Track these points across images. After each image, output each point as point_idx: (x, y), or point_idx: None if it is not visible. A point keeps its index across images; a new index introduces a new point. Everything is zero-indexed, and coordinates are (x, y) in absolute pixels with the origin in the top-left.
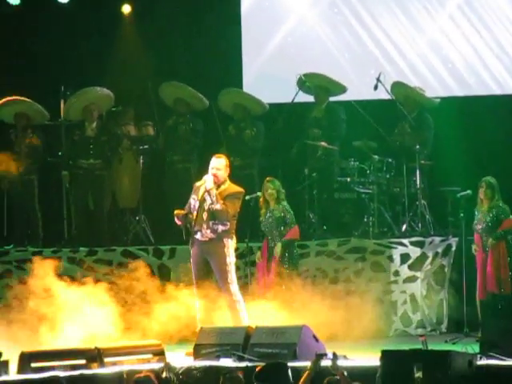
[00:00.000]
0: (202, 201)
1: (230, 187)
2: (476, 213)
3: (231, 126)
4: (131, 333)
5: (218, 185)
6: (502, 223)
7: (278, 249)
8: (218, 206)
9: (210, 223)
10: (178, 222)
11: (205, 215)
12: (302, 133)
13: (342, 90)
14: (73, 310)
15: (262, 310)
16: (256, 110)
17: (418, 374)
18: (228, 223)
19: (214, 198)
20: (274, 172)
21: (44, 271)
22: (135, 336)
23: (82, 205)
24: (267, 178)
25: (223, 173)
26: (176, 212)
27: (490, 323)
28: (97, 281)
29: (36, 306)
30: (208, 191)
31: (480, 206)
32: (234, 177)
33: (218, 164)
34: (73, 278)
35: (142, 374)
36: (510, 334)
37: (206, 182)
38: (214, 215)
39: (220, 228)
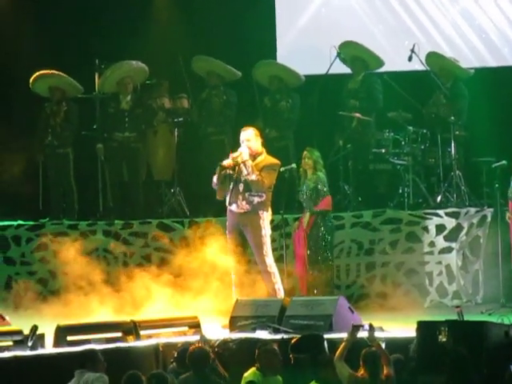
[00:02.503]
0: (239, 172)
1: (267, 159)
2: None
3: (267, 98)
4: (167, 306)
5: (253, 156)
6: None
7: (305, 218)
8: (253, 177)
9: (246, 195)
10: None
11: (241, 187)
12: (338, 104)
13: (379, 63)
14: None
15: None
16: (292, 82)
17: (442, 337)
18: (264, 195)
19: (250, 169)
20: (310, 143)
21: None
22: (172, 309)
23: (117, 177)
24: (306, 148)
25: (255, 143)
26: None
27: None
28: (131, 253)
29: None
30: (244, 162)
31: None
32: (269, 148)
33: (248, 135)
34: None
35: (194, 346)
36: None
37: (242, 154)
38: (249, 186)
39: (256, 200)
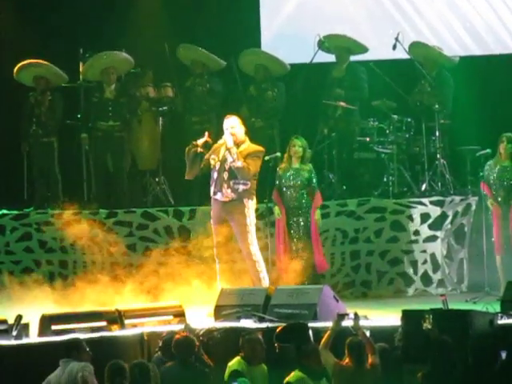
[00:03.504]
0: (223, 160)
1: (250, 147)
2: (491, 165)
3: (252, 87)
4: (152, 295)
5: (237, 144)
6: None
7: (318, 217)
8: (239, 164)
9: (231, 182)
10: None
11: (225, 175)
12: (322, 93)
13: (363, 49)
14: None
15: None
16: (277, 71)
17: (426, 325)
18: (248, 182)
19: (235, 156)
20: (294, 132)
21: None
22: (155, 298)
23: (102, 167)
24: (294, 136)
25: (239, 130)
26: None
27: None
28: (116, 243)
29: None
30: (229, 149)
31: (499, 159)
32: (254, 137)
33: (232, 123)
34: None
35: (179, 335)
36: None
37: (227, 141)
38: (234, 174)
39: (241, 187)
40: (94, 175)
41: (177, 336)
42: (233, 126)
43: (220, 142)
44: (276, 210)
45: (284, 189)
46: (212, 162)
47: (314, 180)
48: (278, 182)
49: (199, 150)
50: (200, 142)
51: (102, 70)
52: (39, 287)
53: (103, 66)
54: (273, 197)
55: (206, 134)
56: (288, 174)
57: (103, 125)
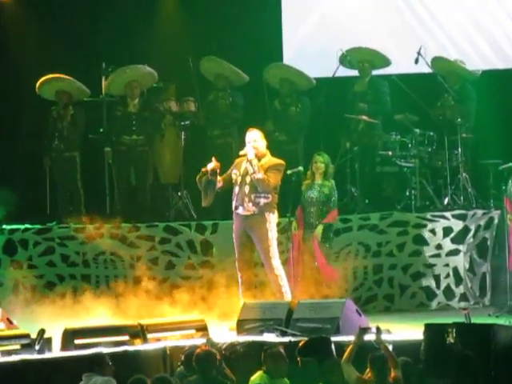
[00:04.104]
0: (245, 174)
1: (271, 160)
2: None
3: (277, 101)
4: (175, 309)
5: (258, 157)
6: None
7: (319, 231)
8: (259, 175)
9: (252, 196)
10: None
11: (247, 189)
12: (345, 107)
13: (386, 62)
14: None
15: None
16: (303, 85)
17: (449, 339)
18: (270, 196)
19: (256, 168)
20: (317, 146)
21: None
22: (178, 312)
23: (125, 181)
24: (317, 152)
25: (261, 144)
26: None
27: None
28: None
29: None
30: (250, 161)
31: None
32: (278, 151)
33: (254, 136)
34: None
35: (201, 349)
36: None
37: (248, 153)
38: (255, 188)
39: (262, 201)
40: (117, 189)
41: (198, 350)
42: (255, 139)
43: (241, 152)
44: (293, 224)
45: (306, 205)
46: (234, 176)
47: (334, 198)
48: (301, 199)
49: (209, 177)
50: (209, 167)
51: (125, 84)
52: (62, 301)
53: (127, 79)
54: (296, 212)
55: (214, 160)
56: (310, 190)
57: (127, 139)
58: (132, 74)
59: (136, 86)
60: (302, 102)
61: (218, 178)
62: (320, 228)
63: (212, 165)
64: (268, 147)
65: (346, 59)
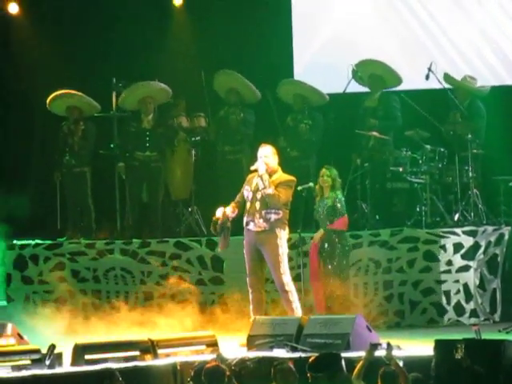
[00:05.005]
0: (255, 190)
1: (282, 176)
2: None
3: (289, 118)
4: (185, 324)
5: (269, 173)
6: None
7: (317, 236)
8: (270, 191)
9: (263, 212)
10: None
11: (257, 205)
12: (355, 123)
13: (397, 81)
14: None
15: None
16: (316, 101)
17: (459, 355)
18: (280, 212)
19: (267, 183)
20: (328, 162)
21: None
22: (189, 327)
23: (136, 197)
24: (325, 166)
25: (272, 160)
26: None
27: None
28: (148, 273)
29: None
30: (261, 176)
31: None
32: (290, 167)
33: (266, 152)
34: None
35: (210, 365)
36: None
37: (259, 168)
38: (266, 204)
39: (273, 217)
40: (129, 205)
41: (208, 365)
42: (266, 154)
43: (252, 167)
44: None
45: (318, 220)
46: (245, 192)
47: (338, 205)
48: (315, 217)
49: (221, 224)
50: (218, 215)
51: (139, 100)
52: (72, 316)
53: (141, 95)
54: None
55: (221, 208)
56: (320, 205)
57: (140, 155)
58: (146, 89)
59: (150, 101)
60: (314, 118)
61: (232, 204)
62: (320, 232)
63: (220, 212)
64: (280, 163)
65: (356, 74)
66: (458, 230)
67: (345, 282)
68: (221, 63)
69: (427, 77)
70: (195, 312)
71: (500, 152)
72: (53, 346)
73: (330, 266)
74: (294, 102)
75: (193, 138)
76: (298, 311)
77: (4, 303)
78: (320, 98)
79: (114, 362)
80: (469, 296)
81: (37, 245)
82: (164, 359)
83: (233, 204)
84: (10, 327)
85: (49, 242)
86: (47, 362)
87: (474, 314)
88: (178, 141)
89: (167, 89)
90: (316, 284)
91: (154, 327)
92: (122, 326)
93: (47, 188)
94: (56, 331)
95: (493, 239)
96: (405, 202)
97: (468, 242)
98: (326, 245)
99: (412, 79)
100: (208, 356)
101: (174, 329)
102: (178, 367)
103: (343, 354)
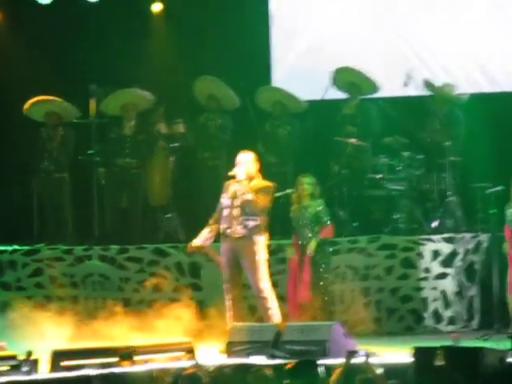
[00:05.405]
0: (233, 197)
1: (260, 182)
2: (508, 209)
3: (268, 124)
4: (162, 331)
5: (248, 180)
6: None
7: (312, 246)
8: (249, 196)
9: (241, 219)
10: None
11: (235, 212)
12: (333, 130)
13: (374, 89)
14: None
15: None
16: (295, 108)
17: (437, 361)
18: (258, 218)
19: (245, 189)
20: (306, 169)
21: None
22: (166, 334)
23: (116, 203)
24: (302, 174)
25: (251, 166)
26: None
27: None
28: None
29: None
30: (239, 182)
31: None
32: (268, 174)
33: (246, 158)
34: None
35: (187, 371)
36: None
37: (237, 174)
38: (244, 210)
39: (251, 224)
40: (108, 211)
41: (185, 372)
42: (245, 161)
43: (230, 173)
44: (288, 250)
45: (297, 228)
46: (222, 200)
47: (323, 215)
48: (292, 224)
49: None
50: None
51: (122, 106)
52: (50, 323)
53: (124, 101)
54: (292, 240)
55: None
56: (299, 213)
57: (121, 161)
58: (129, 96)
59: (132, 108)
60: (293, 125)
61: (210, 222)
62: (314, 242)
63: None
64: (259, 170)
65: (334, 81)
66: (436, 237)
67: (328, 290)
68: (200, 70)
69: (405, 83)
70: (173, 318)
71: (478, 159)
72: (30, 353)
73: (318, 275)
74: (273, 108)
75: (171, 145)
76: (275, 318)
77: None
78: (298, 104)
79: (91, 369)
80: (447, 303)
81: (14, 250)
82: (141, 366)
83: (210, 224)
84: None
85: (27, 247)
86: (24, 369)
87: (451, 321)
88: (157, 147)
89: (149, 96)
90: (301, 292)
91: (132, 333)
92: (100, 332)
93: (25, 193)
94: (33, 337)
95: (471, 246)
96: (383, 209)
97: (446, 249)
98: (319, 255)
99: (390, 86)
100: (185, 363)
101: (152, 335)
102: (155, 374)
103: (321, 361)
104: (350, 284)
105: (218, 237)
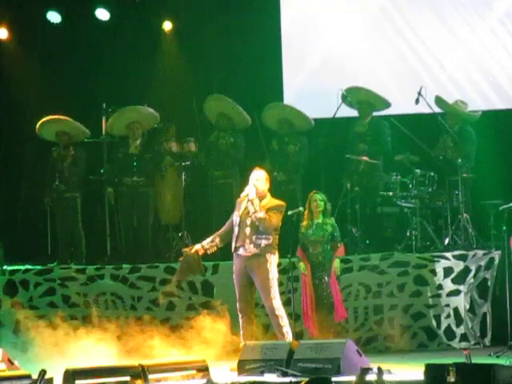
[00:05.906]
0: (245, 215)
1: (272, 201)
2: None
3: (274, 141)
4: (175, 349)
5: (259, 198)
6: None
7: (337, 265)
8: (261, 214)
9: (253, 237)
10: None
11: (247, 230)
12: (345, 147)
13: (386, 105)
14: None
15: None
16: (302, 126)
17: (450, 378)
18: (270, 237)
19: (258, 207)
20: (317, 187)
21: None
22: (179, 353)
23: (127, 222)
24: (314, 191)
25: (263, 184)
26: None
27: None
28: (139, 298)
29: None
30: (251, 200)
31: None
32: (276, 191)
33: (259, 176)
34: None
35: None
36: None
37: (249, 192)
38: (256, 229)
39: (263, 242)
40: (120, 230)
41: None
42: (258, 178)
43: (242, 194)
44: (302, 265)
45: (308, 245)
46: (234, 217)
47: (337, 233)
48: (301, 240)
49: (183, 258)
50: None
51: (126, 125)
52: (63, 342)
53: (128, 120)
54: (297, 254)
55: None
56: (311, 229)
57: (128, 180)
58: (133, 115)
59: (137, 127)
60: (300, 142)
61: (217, 237)
62: (337, 262)
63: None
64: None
65: (346, 99)
66: (448, 255)
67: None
68: (211, 88)
69: (417, 101)
70: (186, 337)
71: (490, 176)
72: (43, 372)
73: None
74: (279, 126)
75: (183, 163)
76: (288, 336)
77: None
78: (305, 122)
79: None
80: (459, 320)
81: (27, 270)
82: None
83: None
84: (0, 352)
85: (39, 267)
86: None
87: (464, 338)
88: (166, 165)
89: (154, 114)
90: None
91: (145, 352)
92: (113, 351)
93: (37, 213)
94: (47, 356)
95: (483, 263)
96: (395, 226)
97: (458, 266)
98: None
99: (402, 104)
100: (198, 381)
101: (165, 354)
102: None
103: (334, 379)
104: (363, 301)
105: (231, 254)
